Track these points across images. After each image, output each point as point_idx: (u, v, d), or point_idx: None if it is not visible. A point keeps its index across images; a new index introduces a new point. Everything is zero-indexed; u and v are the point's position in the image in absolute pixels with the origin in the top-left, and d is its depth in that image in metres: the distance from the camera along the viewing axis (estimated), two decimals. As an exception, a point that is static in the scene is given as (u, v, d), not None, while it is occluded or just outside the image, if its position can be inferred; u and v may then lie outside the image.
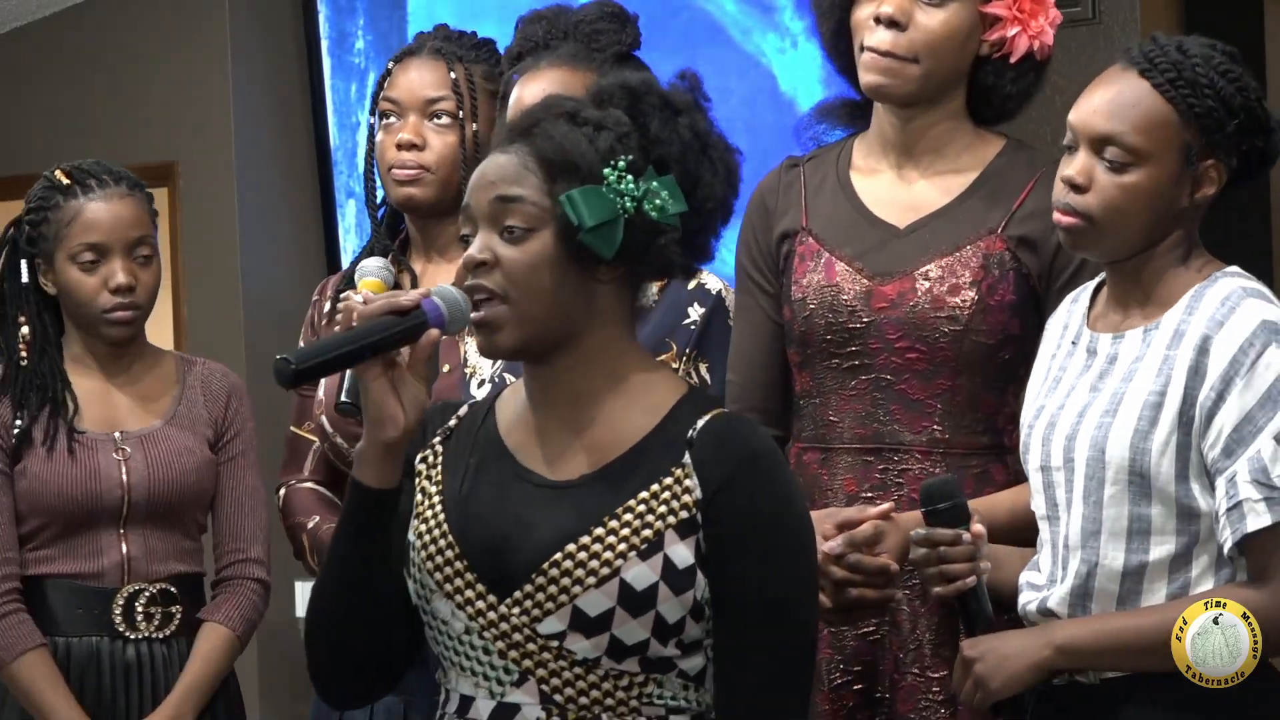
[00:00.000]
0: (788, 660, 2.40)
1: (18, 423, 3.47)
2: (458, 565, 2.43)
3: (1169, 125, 2.67)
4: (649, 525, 2.37)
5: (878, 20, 2.99)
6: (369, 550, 2.44)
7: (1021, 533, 2.88)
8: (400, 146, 3.48)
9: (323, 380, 3.51)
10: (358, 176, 5.21)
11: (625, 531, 2.37)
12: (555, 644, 2.38)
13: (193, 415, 3.59)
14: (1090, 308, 2.82)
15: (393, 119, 3.51)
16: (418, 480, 2.51)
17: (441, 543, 2.45)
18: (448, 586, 2.43)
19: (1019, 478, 2.92)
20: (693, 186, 2.43)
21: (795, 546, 2.42)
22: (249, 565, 3.61)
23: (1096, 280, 2.85)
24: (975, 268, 2.97)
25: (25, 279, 3.54)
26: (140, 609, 3.48)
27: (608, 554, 2.36)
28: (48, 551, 3.49)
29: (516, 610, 2.39)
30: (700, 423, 2.41)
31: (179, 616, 3.52)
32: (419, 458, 2.52)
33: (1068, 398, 2.75)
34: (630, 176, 2.38)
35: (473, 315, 2.41)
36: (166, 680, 3.51)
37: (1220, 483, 2.63)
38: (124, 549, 3.48)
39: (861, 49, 3.01)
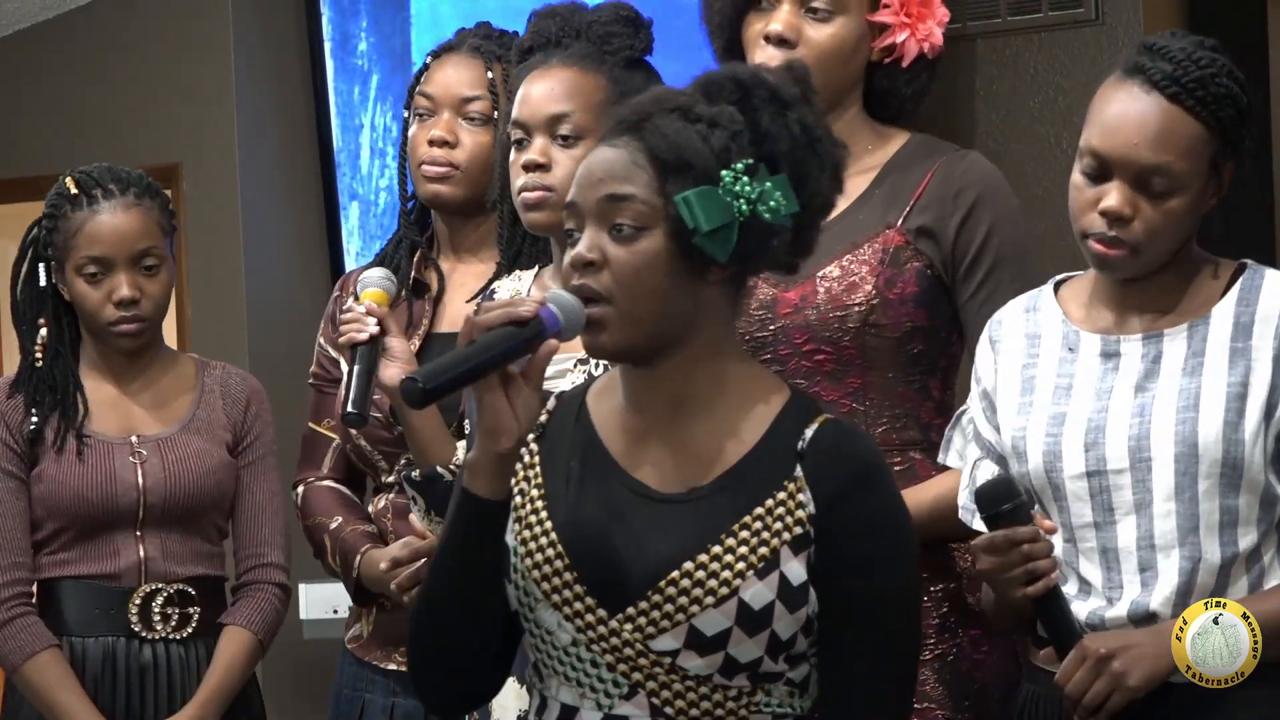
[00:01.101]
0: (896, 668, 2.37)
1: (33, 421, 3.46)
2: (566, 576, 2.37)
3: (1204, 143, 2.66)
4: (765, 543, 2.33)
5: (767, 39, 3.00)
6: (477, 560, 2.37)
7: (942, 524, 2.88)
8: (432, 143, 3.46)
9: (344, 381, 3.50)
10: (361, 178, 5.21)
11: (743, 550, 2.32)
12: (668, 660, 2.34)
13: (211, 419, 3.58)
14: (1064, 313, 2.79)
15: (426, 114, 3.50)
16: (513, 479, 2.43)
17: (550, 551, 2.38)
18: (555, 597, 2.37)
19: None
20: (800, 183, 2.37)
21: (903, 556, 2.37)
22: (269, 570, 3.59)
23: (1049, 286, 2.83)
24: (874, 264, 2.97)
25: (44, 282, 3.54)
26: (157, 609, 3.47)
27: (725, 573, 2.32)
28: (66, 554, 3.48)
29: (629, 626, 2.34)
30: (808, 433, 2.36)
31: (197, 618, 3.50)
32: None
33: (1107, 401, 2.71)
34: (746, 179, 2.33)
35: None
36: (184, 682, 3.49)
37: None
38: (141, 550, 3.47)
39: None
